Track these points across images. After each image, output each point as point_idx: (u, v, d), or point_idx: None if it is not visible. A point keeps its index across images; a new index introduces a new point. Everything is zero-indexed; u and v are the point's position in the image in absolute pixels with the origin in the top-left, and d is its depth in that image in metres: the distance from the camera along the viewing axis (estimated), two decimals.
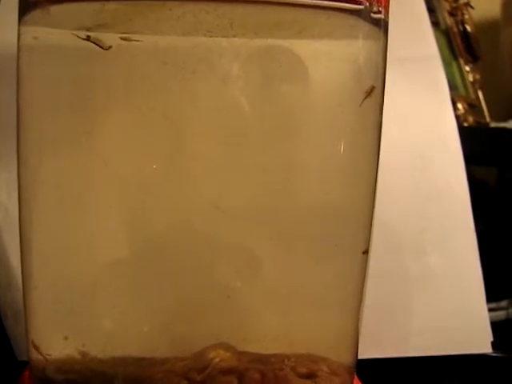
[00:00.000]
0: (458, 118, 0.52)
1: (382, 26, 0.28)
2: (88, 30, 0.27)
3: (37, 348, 0.27)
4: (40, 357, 0.28)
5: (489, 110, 0.71)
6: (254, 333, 0.28)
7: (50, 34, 0.27)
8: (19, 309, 0.39)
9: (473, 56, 0.70)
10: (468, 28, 0.70)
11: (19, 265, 0.29)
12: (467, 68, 0.70)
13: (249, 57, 0.27)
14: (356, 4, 0.26)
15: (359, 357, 0.30)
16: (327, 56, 0.27)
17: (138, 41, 0.26)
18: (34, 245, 0.28)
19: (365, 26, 0.27)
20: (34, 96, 0.28)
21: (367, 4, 0.26)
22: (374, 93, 0.28)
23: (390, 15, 0.28)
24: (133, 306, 0.28)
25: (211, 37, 0.26)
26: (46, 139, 0.28)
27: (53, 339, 0.28)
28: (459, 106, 0.64)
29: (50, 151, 0.28)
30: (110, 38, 0.27)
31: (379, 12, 0.27)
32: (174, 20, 0.26)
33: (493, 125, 0.69)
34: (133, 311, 0.28)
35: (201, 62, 0.27)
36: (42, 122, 0.28)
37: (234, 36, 0.26)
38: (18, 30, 0.27)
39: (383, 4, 0.27)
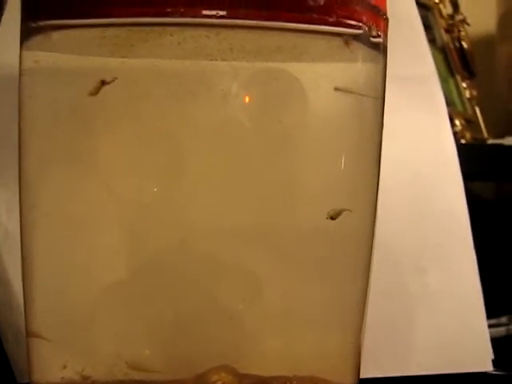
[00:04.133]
0: (455, 134, 0.53)
1: (381, 49, 0.28)
2: (89, 54, 0.27)
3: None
4: (42, 380, 0.28)
5: (486, 126, 0.72)
6: (255, 355, 0.28)
7: (52, 58, 0.27)
8: (20, 331, 0.38)
9: (469, 72, 0.71)
10: (464, 45, 0.70)
11: (19, 285, 0.29)
12: (464, 84, 0.70)
13: (248, 79, 0.27)
14: (355, 29, 0.26)
15: (360, 376, 0.30)
16: (327, 79, 0.28)
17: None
18: (35, 269, 0.28)
19: (364, 50, 0.27)
20: (35, 119, 0.28)
21: (366, 29, 0.27)
22: (375, 113, 0.29)
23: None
24: (134, 330, 0.28)
25: (211, 60, 0.26)
26: (47, 161, 0.28)
27: (53, 364, 0.28)
28: (457, 122, 0.64)
29: (51, 173, 0.28)
30: (110, 62, 0.27)
31: (378, 36, 0.27)
32: (175, 45, 0.26)
33: (490, 141, 0.69)
34: (134, 334, 0.28)
35: (200, 84, 0.27)
36: (42, 144, 0.28)
37: (234, 59, 0.27)
38: (20, 54, 0.27)
39: (382, 28, 0.27)
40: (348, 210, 0.28)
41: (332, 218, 0.27)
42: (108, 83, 0.26)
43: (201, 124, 0.27)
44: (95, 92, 0.26)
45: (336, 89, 0.27)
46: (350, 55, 0.27)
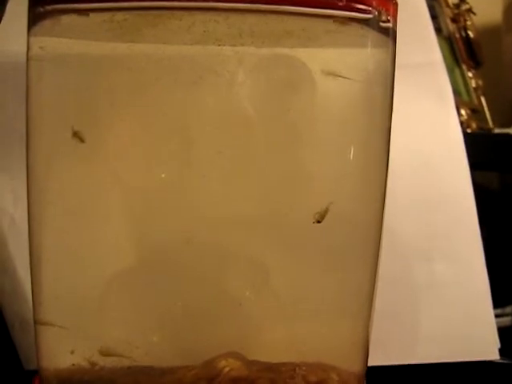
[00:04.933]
0: (461, 123, 0.52)
1: (391, 34, 0.28)
2: (97, 39, 0.27)
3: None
4: (50, 367, 0.28)
5: (491, 116, 0.71)
6: (264, 342, 0.28)
7: (59, 43, 0.27)
8: (26, 318, 0.38)
9: (475, 62, 0.70)
10: (470, 34, 0.70)
11: (25, 274, 0.29)
12: (470, 74, 0.70)
13: (257, 65, 0.27)
14: (365, 13, 0.26)
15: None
16: (336, 64, 0.27)
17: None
18: (43, 257, 0.28)
19: (374, 35, 0.27)
20: (43, 105, 0.28)
21: (376, 13, 0.26)
22: (384, 99, 0.28)
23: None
24: (142, 316, 0.28)
25: (219, 45, 0.26)
26: (54, 148, 0.28)
27: (62, 350, 0.28)
28: (462, 111, 0.64)
29: (58, 161, 0.28)
30: (118, 47, 0.27)
31: (388, 21, 0.27)
32: (184, 30, 0.26)
33: (496, 131, 0.69)
34: (142, 321, 0.28)
35: (209, 70, 0.27)
36: (50, 129, 0.28)
37: (243, 45, 0.26)
38: (28, 40, 0.27)
39: (391, 13, 0.27)
40: (331, 202, 0.27)
41: (318, 222, 0.27)
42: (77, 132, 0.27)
43: (209, 110, 0.27)
44: (82, 139, 0.27)
45: (328, 73, 0.27)
46: (359, 40, 0.27)
